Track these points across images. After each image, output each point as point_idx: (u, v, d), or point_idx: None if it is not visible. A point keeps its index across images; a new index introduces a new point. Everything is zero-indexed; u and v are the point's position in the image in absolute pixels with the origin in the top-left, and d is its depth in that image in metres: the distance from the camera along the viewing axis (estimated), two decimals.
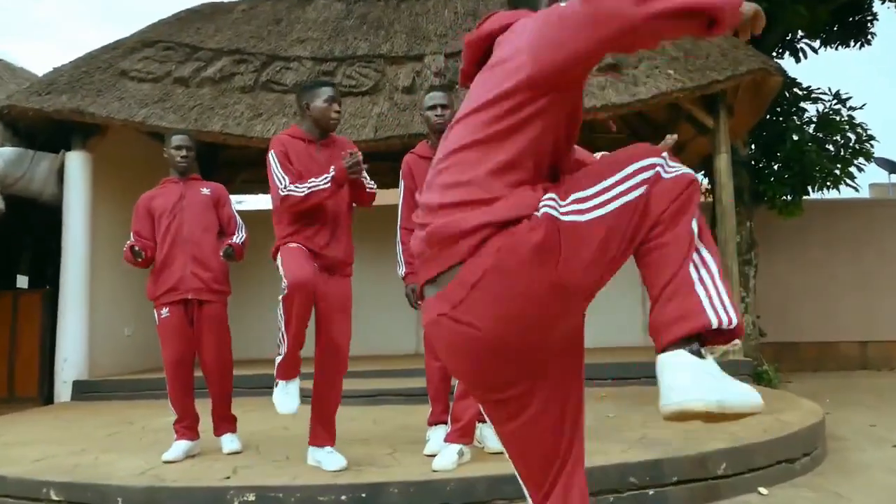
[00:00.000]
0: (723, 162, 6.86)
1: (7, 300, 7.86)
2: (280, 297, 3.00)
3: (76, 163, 7.04)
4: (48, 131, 7.06)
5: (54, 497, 3.20)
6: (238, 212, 4.14)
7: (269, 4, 8.05)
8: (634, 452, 3.41)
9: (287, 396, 3.08)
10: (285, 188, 3.11)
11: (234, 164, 10.21)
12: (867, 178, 20.64)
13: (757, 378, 8.15)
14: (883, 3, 10.27)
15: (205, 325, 3.78)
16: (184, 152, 3.89)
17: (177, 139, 3.92)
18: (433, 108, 3.59)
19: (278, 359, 3.10)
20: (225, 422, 3.90)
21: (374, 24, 7.59)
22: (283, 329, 3.04)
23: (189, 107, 6.68)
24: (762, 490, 3.53)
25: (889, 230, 10.98)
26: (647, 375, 6.44)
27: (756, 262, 8.95)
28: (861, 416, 6.07)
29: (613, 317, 9.32)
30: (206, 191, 3.91)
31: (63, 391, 6.80)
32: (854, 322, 10.87)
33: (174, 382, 3.78)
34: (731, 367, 6.20)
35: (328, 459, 3.18)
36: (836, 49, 10.97)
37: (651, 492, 3.20)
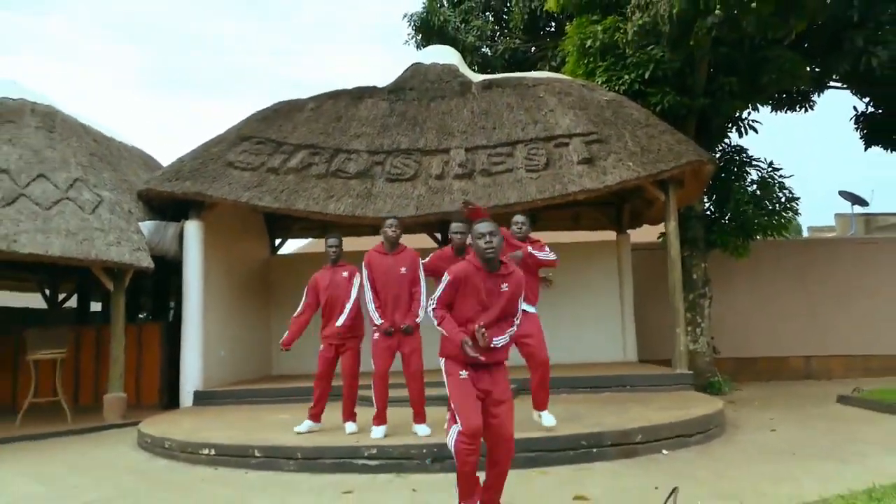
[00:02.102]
0: (671, 227, 9.30)
1: (133, 330, 10.36)
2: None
3: (193, 229, 9.52)
4: (174, 206, 9.58)
5: (257, 454, 5.66)
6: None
7: (331, 103, 10.57)
8: (587, 429, 5.84)
9: None
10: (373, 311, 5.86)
11: (291, 217, 12.70)
12: (833, 209, 22.98)
13: (710, 386, 10.57)
14: (814, 93, 12.63)
15: (344, 357, 6.29)
16: (334, 248, 6.39)
17: (330, 241, 6.45)
18: (456, 233, 6.04)
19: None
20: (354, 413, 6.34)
21: (411, 121, 10.10)
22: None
23: (280, 190, 9.17)
24: (665, 451, 5.94)
25: (829, 263, 13.39)
26: (618, 384, 8.88)
27: (710, 294, 11.36)
28: (768, 413, 8.44)
29: (597, 337, 11.77)
30: (345, 273, 6.39)
31: (187, 399, 9.25)
32: (800, 340, 13.26)
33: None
34: (676, 379, 8.66)
35: None
36: (785, 113, 13.40)
37: (595, 450, 5.62)
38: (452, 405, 3.69)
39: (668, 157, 8.98)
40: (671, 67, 10.05)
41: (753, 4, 6.87)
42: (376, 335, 5.92)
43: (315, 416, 6.31)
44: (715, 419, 6.79)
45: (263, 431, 6.48)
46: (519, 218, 6.25)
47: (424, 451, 5.40)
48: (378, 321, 5.85)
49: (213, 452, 5.92)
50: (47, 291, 13.82)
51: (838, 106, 16.83)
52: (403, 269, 5.93)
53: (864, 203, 21.00)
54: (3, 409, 9.90)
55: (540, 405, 6.06)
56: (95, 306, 14.50)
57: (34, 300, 13.92)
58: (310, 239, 13.89)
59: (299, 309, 6.42)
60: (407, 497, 4.66)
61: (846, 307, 13.22)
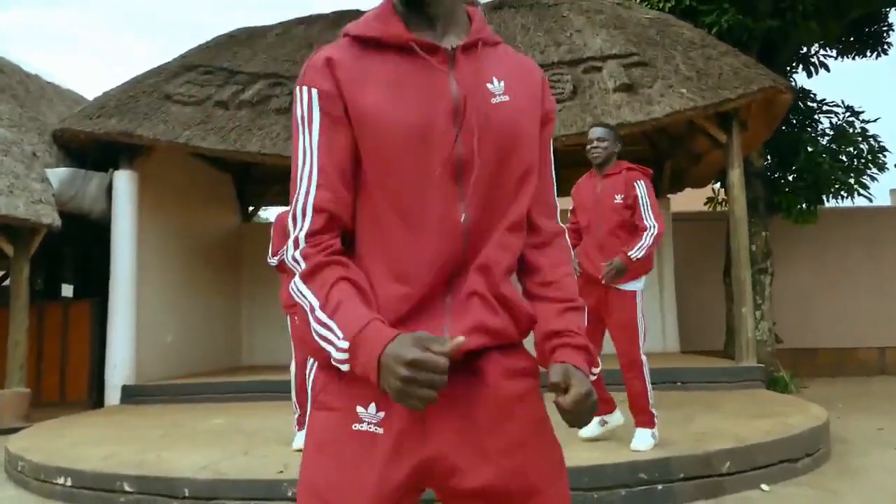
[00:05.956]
0: (736, 176, 7.16)
1: (58, 310, 8.37)
2: None
3: (124, 181, 7.51)
4: (98, 151, 7.56)
5: (128, 489, 3.62)
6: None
7: (302, 28, 8.50)
8: (645, 451, 3.74)
9: None
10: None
11: (268, 177, 10.71)
12: (888, 185, 20.67)
13: (773, 384, 8.42)
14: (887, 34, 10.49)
15: None
16: None
17: None
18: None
19: None
20: None
21: None
22: None
23: (229, 128, 7.12)
24: (764, 487, 3.84)
25: None
26: (665, 381, 6.78)
27: (772, 270, 9.21)
28: (870, 421, 6.32)
29: None
30: None
31: (112, 395, 7.24)
32: (872, 328, 11.06)
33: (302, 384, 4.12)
34: (742, 374, 6.54)
35: None
36: (853, 59, 11.19)
37: (660, 487, 3.53)
38: None
39: (733, 82, 6.84)
40: None
41: None
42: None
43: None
44: (823, 436, 4.67)
45: (171, 448, 4.43)
46: (596, 132, 4.07)
47: None
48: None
49: (69, 483, 3.88)
50: None
51: None
52: None
53: None
54: None
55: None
56: (67, 289, 12.58)
57: None
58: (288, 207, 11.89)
59: None
60: None
61: None
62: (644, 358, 3.96)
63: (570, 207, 4.15)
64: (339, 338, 1.00)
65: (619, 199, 3.89)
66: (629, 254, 3.75)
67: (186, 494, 3.46)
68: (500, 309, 1.09)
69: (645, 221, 3.84)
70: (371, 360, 0.96)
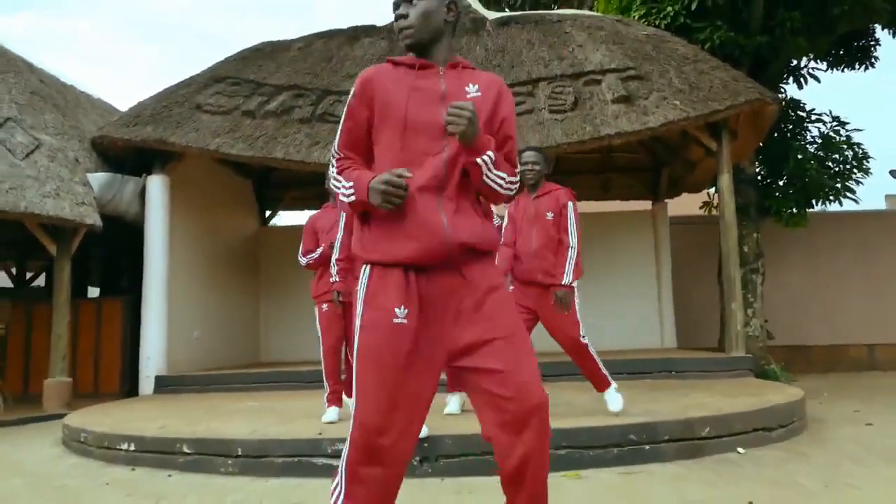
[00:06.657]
0: (725, 182, 7.70)
1: (91, 307, 8.92)
2: None
3: (157, 185, 8.09)
4: (133, 157, 8.14)
5: (186, 450, 4.17)
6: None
7: (322, 42, 9.09)
8: (635, 418, 4.28)
9: None
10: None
11: (285, 183, 11.30)
12: (883, 190, 21.10)
13: (763, 376, 8.94)
14: (884, 29, 11.03)
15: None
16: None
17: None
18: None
19: None
20: None
21: None
22: None
23: (255, 136, 7.70)
24: (740, 450, 4.37)
25: (895, 239, 11.68)
26: (660, 370, 7.31)
27: (763, 270, 9.73)
28: (849, 406, 6.83)
29: (631, 321, 10.19)
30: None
31: (146, 386, 7.79)
32: (862, 326, 11.56)
33: (330, 362, 4.69)
34: (732, 363, 7.06)
35: None
36: (843, 71, 11.72)
37: (647, 447, 4.07)
38: (354, 373, 1.89)
39: (722, 95, 7.39)
40: None
41: None
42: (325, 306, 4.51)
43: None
44: (797, 410, 5.20)
45: (217, 420, 4.99)
46: (529, 156, 4.40)
47: None
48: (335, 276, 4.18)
49: (132, 448, 4.43)
50: (13, 270, 12.48)
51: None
52: None
53: None
54: None
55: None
56: (94, 291, 13.11)
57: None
58: (304, 211, 12.44)
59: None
60: None
61: None
62: (586, 340, 4.41)
63: (504, 223, 4.52)
64: (346, 186, 1.90)
65: (550, 216, 4.37)
66: (562, 282, 4.22)
67: (240, 453, 4.02)
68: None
69: (570, 239, 4.30)
70: (364, 188, 1.83)
